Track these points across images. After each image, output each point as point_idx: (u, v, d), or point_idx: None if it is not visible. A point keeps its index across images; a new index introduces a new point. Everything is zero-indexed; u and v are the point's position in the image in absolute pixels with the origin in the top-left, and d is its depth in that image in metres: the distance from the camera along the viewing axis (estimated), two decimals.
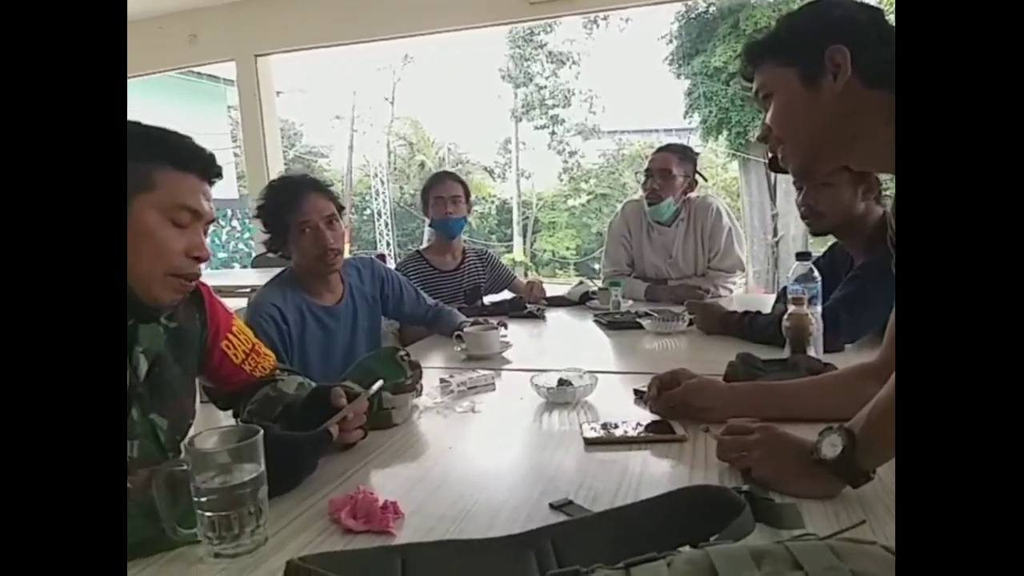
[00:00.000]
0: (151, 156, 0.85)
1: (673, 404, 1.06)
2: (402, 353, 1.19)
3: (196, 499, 0.68)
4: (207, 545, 0.69)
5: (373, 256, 1.97)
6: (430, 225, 2.38)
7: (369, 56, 15.98)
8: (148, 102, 6.65)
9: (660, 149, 2.42)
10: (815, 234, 1.68)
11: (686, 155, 2.39)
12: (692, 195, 2.43)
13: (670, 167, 2.33)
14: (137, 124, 0.88)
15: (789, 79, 0.90)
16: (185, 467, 0.69)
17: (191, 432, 1.02)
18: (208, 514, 0.68)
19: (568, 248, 16.65)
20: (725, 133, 10.48)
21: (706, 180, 2.52)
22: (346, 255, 1.68)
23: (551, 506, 0.77)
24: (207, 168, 0.90)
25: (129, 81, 6.11)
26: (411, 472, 0.92)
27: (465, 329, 1.60)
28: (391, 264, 2.33)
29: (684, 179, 2.36)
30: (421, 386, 1.22)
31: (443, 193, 2.29)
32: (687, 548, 0.62)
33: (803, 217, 1.64)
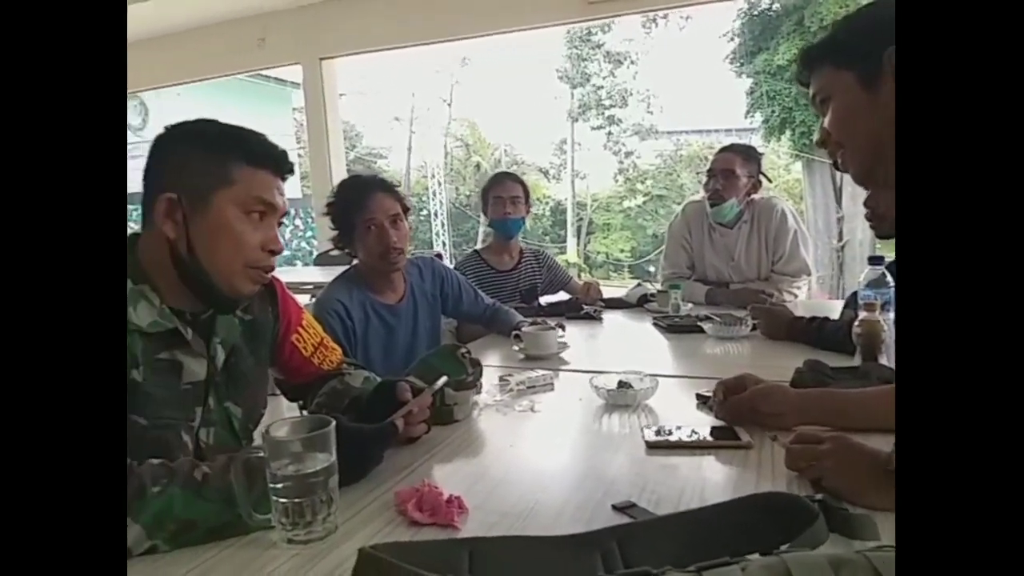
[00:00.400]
0: (228, 153, 0.89)
1: (739, 409, 1.04)
2: (463, 350, 1.21)
3: (272, 485, 0.71)
4: (281, 531, 0.71)
5: (434, 258, 2.01)
6: (489, 225, 2.40)
7: (427, 58, 16.23)
8: (218, 104, 6.94)
9: (723, 149, 2.37)
10: (880, 237, 1.62)
11: (750, 155, 2.33)
12: (756, 196, 2.37)
13: (733, 167, 2.28)
14: (215, 123, 0.92)
15: (847, 82, 0.89)
16: (261, 454, 0.72)
17: (262, 422, 1.07)
18: (283, 500, 0.70)
19: (623, 250, 16.47)
20: (788, 133, 10.16)
21: (770, 181, 2.45)
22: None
23: (614, 507, 0.77)
24: (280, 164, 0.94)
25: (200, 84, 6.40)
26: (473, 468, 0.93)
27: (523, 329, 1.61)
28: (447, 263, 2.37)
29: (748, 180, 2.30)
30: (481, 384, 1.24)
31: (503, 193, 2.30)
32: (757, 555, 0.61)
33: (868, 219, 1.58)
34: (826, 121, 0.94)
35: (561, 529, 0.72)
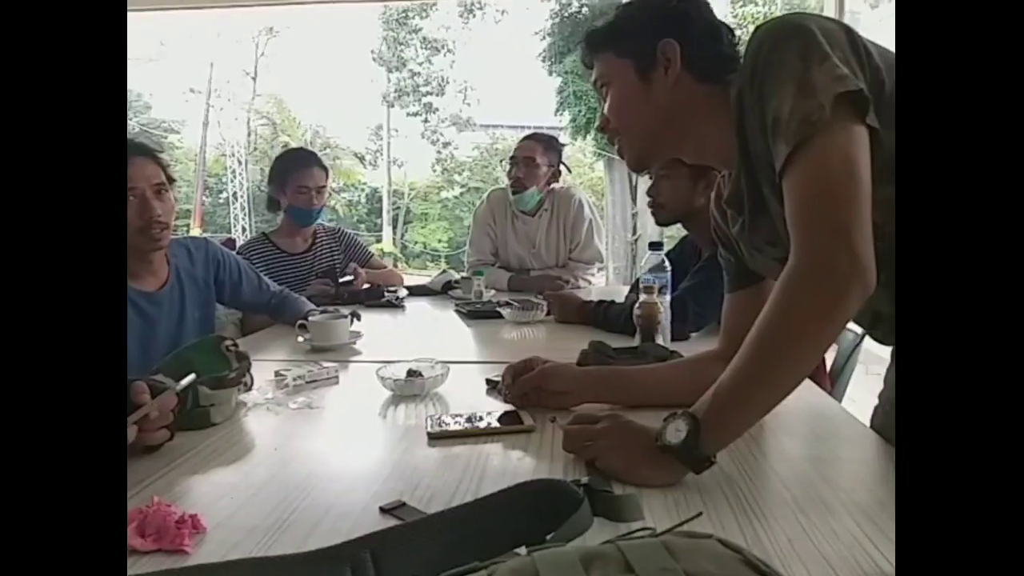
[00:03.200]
0: None
1: (527, 390, 1.02)
2: (228, 343, 1.06)
3: None
4: None
5: (209, 239, 1.77)
6: (286, 212, 2.18)
7: (229, 25, 14.87)
8: None
9: (525, 138, 2.41)
10: (659, 224, 1.75)
11: (551, 145, 2.40)
12: (556, 186, 2.44)
13: (534, 156, 2.32)
14: None
15: (625, 70, 0.91)
16: None
17: None
18: None
19: (440, 240, 16.56)
20: (592, 133, 10.86)
21: (570, 171, 2.54)
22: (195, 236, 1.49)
23: (382, 510, 0.70)
24: None
25: None
26: (225, 478, 0.80)
27: (310, 318, 1.47)
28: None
29: (548, 169, 2.36)
30: (251, 380, 1.09)
31: (309, 183, 2.14)
32: (523, 551, 0.57)
33: (649, 207, 1.70)
34: (605, 107, 0.95)
35: (316, 541, 0.63)
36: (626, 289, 2.06)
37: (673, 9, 0.90)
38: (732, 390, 0.74)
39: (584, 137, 11.28)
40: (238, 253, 2.10)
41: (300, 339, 1.48)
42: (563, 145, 2.53)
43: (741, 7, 10.45)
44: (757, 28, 0.81)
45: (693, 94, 0.89)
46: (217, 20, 14.40)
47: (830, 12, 3.69)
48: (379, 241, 15.86)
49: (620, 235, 10.68)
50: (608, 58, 0.94)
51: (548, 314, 1.77)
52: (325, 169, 2.23)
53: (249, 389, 1.09)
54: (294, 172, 2.15)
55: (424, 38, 15.02)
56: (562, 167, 2.44)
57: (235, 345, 1.07)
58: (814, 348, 0.71)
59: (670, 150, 0.97)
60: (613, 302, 1.66)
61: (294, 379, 1.15)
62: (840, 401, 1.53)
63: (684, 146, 0.96)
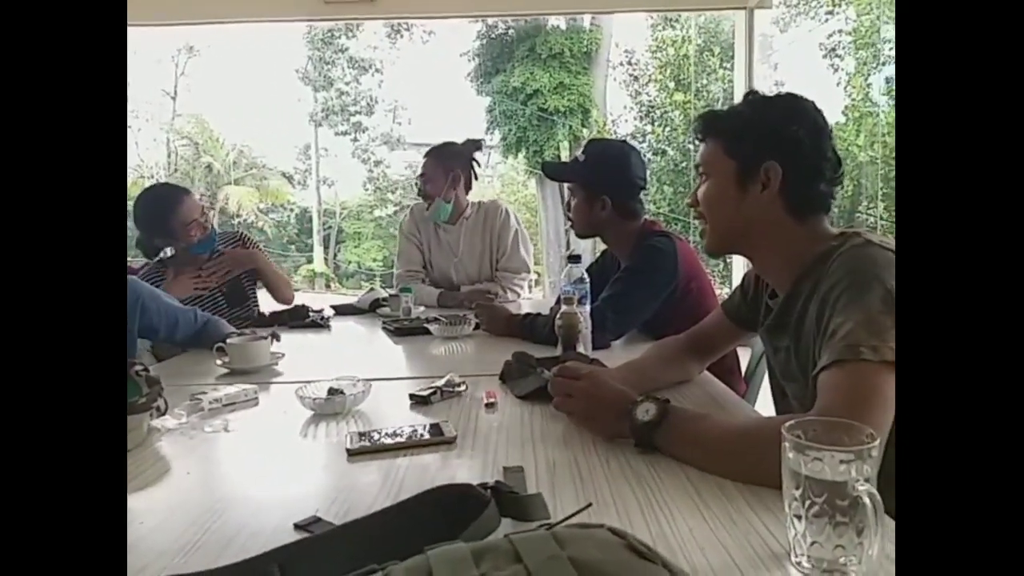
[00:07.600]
0: None
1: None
2: (138, 368, 1.03)
3: None
4: None
5: (136, 281, 1.62)
6: (181, 252, 2.03)
7: (145, 44, 14.34)
8: None
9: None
10: (578, 236, 1.85)
11: (443, 154, 2.40)
12: (485, 200, 2.49)
13: (426, 170, 2.39)
14: None
15: (727, 170, 0.96)
16: None
17: None
18: None
19: (375, 259, 16.34)
20: (523, 151, 11.01)
21: (479, 165, 2.48)
22: None
23: (296, 526, 0.70)
24: None
25: None
26: (135, 504, 0.78)
27: (228, 340, 1.44)
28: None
29: (447, 175, 2.37)
30: (165, 405, 1.06)
31: (195, 215, 2.01)
32: None
33: (567, 218, 1.83)
34: (699, 191, 1.01)
35: (228, 560, 0.62)
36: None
37: (792, 133, 0.92)
38: (707, 431, 0.82)
39: (516, 155, 11.42)
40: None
41: (218, 362, 1.44)
42: (474, 144, 2.44)
43: (661, 31, 10.89)
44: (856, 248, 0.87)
45: (777, 221, 0.94)
46: (133, 38, 13.88)
47: (740, 35, 3.88)
48: (310, 262, 15.53)
49: (554, 250, 10.85)
50: (716, 149, 0.98)
51: (476, 328, 1.79)
52: (190, 192, 2.12)
53: (163, 414, 1.06)
54: (172, 213, 1.98)
55: (351, 58, 14.92)
56: (474, 168, 2.42)
57: (145, 370, 1.04)
58: (770, 479, 0.68)
59: (743, 252, 1.05)
60: (539, 314, 1.70)
61: (210, 402, 1.12)
62: (754, 403, 1.61)
63: (753, 256, 1.03)
